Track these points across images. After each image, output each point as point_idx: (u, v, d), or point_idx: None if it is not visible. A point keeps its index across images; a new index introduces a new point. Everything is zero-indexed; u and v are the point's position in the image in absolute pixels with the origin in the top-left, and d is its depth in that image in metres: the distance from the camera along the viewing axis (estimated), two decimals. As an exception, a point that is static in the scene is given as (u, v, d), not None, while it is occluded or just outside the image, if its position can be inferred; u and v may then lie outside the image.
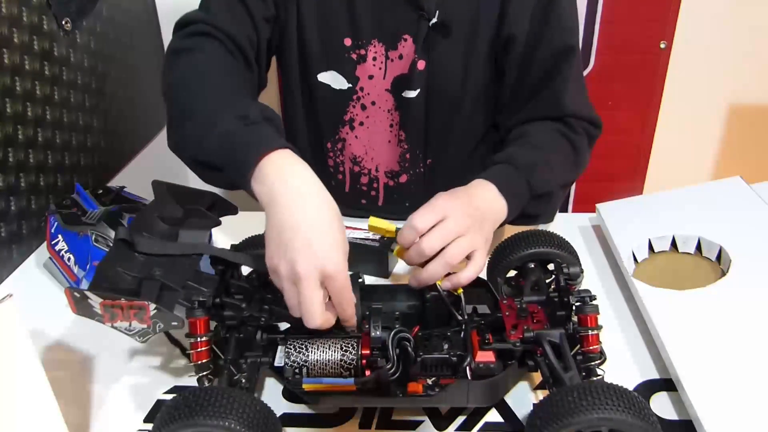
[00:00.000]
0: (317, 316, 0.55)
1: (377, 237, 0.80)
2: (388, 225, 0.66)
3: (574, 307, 0.59)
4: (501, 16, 0.81)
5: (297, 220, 0.56)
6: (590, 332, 0.57)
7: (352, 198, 0.98)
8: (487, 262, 0.64)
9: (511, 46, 0.82)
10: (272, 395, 0.64)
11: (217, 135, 0.63)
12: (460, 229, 0.63)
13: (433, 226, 0.63)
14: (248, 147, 0.61)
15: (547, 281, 0.69)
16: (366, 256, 0.79)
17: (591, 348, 0.57)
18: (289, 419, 0.61)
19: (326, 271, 0.55)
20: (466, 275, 0.63)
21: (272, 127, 0.65)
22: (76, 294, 0.52)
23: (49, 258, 0.84)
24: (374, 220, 0.67)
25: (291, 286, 0.56)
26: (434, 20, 0.80)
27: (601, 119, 0.86)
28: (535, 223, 0.77)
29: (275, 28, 0.85)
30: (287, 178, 0.58)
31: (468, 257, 0.64)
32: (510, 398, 0.62)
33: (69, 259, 0.80)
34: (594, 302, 0.58)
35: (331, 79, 0.88)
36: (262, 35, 0.82)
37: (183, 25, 0.80)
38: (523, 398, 0.62)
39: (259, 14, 0.81)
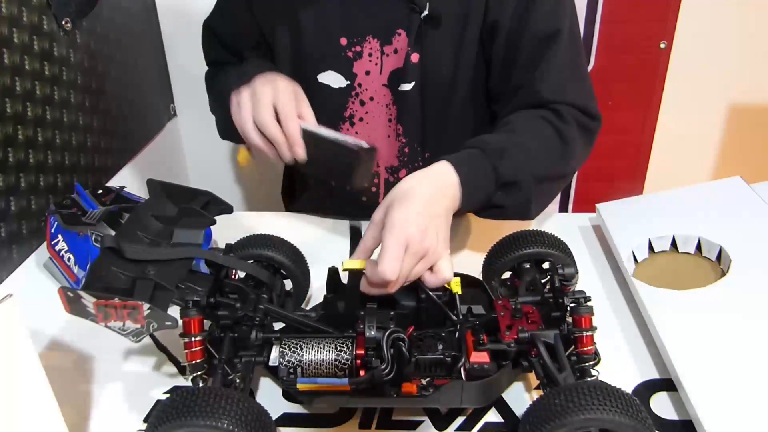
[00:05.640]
0: (264, 108, 0.72)
1: (361, 144, 0.72)
2: (361, 263, 0.62)
3: (568, 308, 0.59)
4: (487, 2, 0.80)
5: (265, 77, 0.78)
6: (584, 333, 0.57)
7: (352, 196, 0.98)
8: (453, 269, 0.61)
9: (496, 32, 0.81)
10: (272, 396, 0.63)
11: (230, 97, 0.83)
12: (418, 256, 0.58)
13: None
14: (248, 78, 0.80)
15: (543, 281, 0.68)
16: (337, 157, 0.72)
17: (585, 349, 0.57)
18: (289, 419, 0.61)
19: (278, 85, 0.73)
20: (432, 282, 0.60)
21: (257, 60, 0.91)
22: (69, 294, 0.52)
23: (49, 258, 0.84)
24: (348, 263, 0.63)
25: (247, 102, 0.74)
26: (425, 12, 0.81)
27: (598, 110, 0.82)
28: (505, 216, 0.73)
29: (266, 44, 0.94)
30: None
31: (431, 269, 0.60)
32: (510, 398, 0.62)
33: (69, 259, 0.80)
34: (588, 303, 0.57)
35: (331, 78, 0.89)
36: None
37: (207, 63, 1.03)
38: (523, 398, 0.62)
39: (241, 44, 0.95)
